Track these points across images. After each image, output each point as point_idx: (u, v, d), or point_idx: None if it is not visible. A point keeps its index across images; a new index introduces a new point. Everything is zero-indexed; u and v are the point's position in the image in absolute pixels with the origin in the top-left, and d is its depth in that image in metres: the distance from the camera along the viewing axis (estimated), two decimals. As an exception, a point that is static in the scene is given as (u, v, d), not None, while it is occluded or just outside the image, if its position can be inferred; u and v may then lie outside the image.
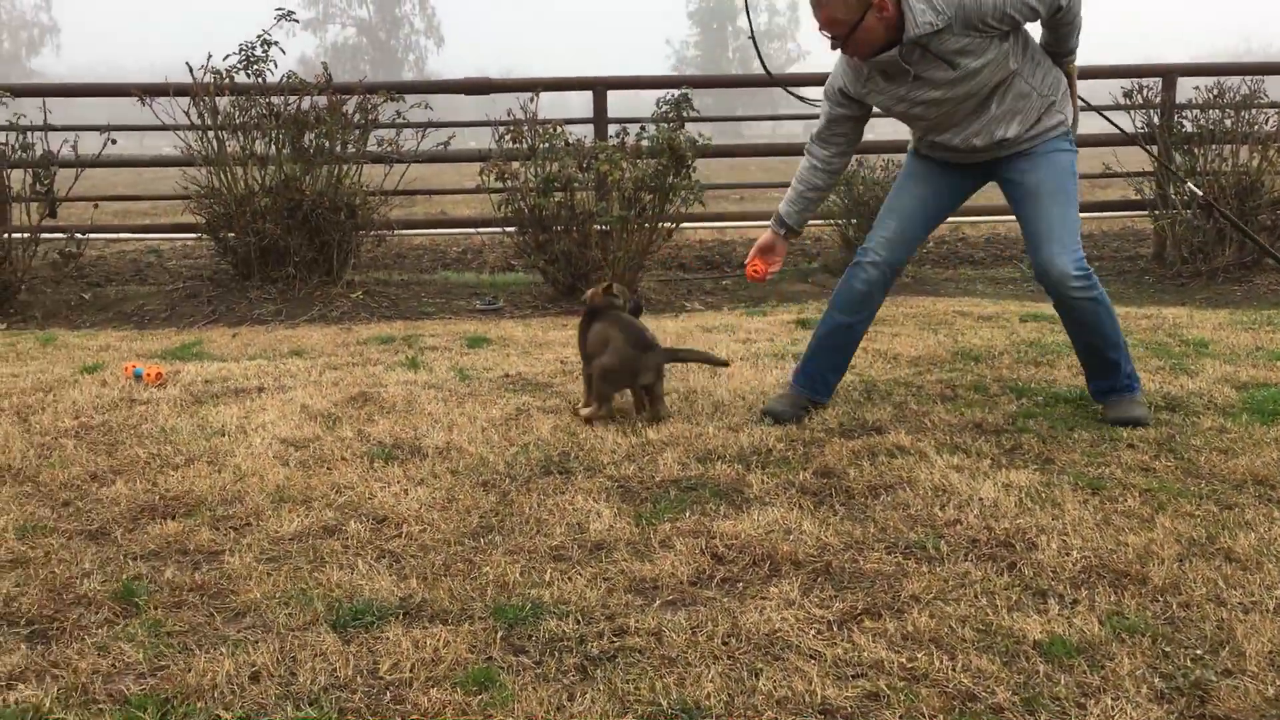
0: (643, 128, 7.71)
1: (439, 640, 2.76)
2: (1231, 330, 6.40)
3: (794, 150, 10.55)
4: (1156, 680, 2.53)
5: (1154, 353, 5.79)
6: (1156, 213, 8.64)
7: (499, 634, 2.81)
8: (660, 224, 7.71)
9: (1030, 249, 4.51)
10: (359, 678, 2.61)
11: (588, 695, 2.51)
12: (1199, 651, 2.67)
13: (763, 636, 2.77)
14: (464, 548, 3.37)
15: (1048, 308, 7.26)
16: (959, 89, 4.28)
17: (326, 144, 7.88)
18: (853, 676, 2.57)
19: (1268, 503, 3.63)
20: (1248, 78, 8.41)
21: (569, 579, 3.12)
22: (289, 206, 7.83)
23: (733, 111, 50.67)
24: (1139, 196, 8.80)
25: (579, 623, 2.86)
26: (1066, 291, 4.41)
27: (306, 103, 7.91)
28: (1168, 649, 2.68)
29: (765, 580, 3.12)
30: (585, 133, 8.67)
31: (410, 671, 2.63)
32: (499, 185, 7.65)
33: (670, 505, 3.70)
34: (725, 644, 2.74)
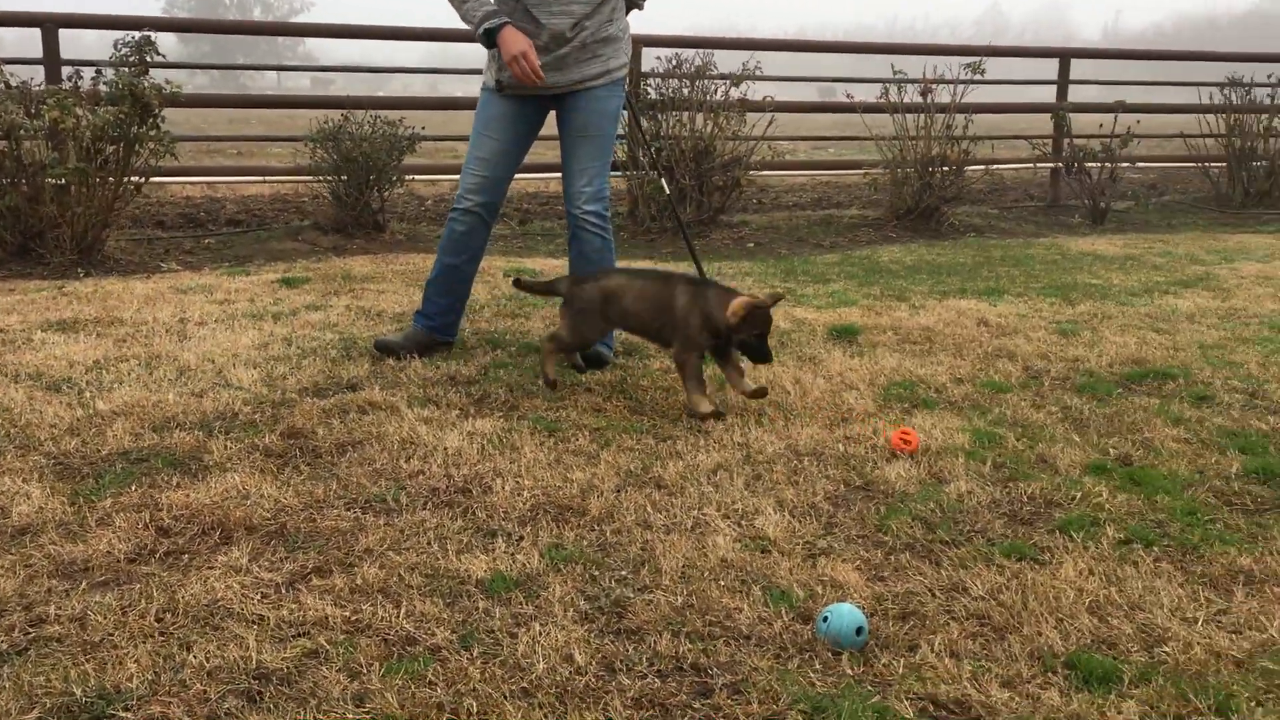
0: (98, 71, 7.02)
1: None
2: (687, 281, 7.06)
3: (299, 104, 10.16)
4: (583, 602, 2.75)
5: (619, 303, 6.25)
6: (628, 174, 9.32)
7: (-114, 641, 2.46)
8: (127, 178, 7.10)
9: (565, 180, 4.92)
10: None
11: (-8, 695, 2.27)
12: (624, 572, 2.93)
13: (202, 608, 2.66)
14: None
15: (530, 262, 7.62)
16: None
17: None
18: (294, 636, 2.54)
19: (697, 433, 4.05)
20: (701, 50, 9.28)
21: (-17, 570, 2.81)
22: None
23: (232, 59, 47.83)
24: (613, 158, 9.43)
25: (-10, 617, 2.58)
26: (585, 224, 4.86)
27: None
28: (596, 573, 2.91)
29: (214, 549, 3.00)
30: (34, 74, 7.75)
31: None
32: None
33: (115, 479, 3.43)
34: (159, 621, 2.59)
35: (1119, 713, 2.29)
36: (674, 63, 9.11)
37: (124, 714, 2.24)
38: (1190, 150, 11.90)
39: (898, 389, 4.62)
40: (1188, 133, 11.81)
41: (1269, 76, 11.61)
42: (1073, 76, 11.73)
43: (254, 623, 2.60)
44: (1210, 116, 11.51)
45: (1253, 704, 2.32)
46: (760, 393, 4.33)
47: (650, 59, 9.39)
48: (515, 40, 4.59)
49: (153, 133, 7.01)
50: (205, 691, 2.31)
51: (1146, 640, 2.60)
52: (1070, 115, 11.09)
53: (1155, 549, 3.10)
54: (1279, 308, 6.39)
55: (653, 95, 9.14)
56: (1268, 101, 11.51)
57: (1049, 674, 2.45)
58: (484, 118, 4.88)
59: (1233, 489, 3.56)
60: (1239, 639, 2.60)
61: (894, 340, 5.50)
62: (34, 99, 6.85)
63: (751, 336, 4.18)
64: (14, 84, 6.95)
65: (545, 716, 2.26)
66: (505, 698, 2.32)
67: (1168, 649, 2.55)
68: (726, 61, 9.48)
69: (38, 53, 8.28)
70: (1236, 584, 2.89)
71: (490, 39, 4.62)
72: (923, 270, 7.72)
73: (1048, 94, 11.79)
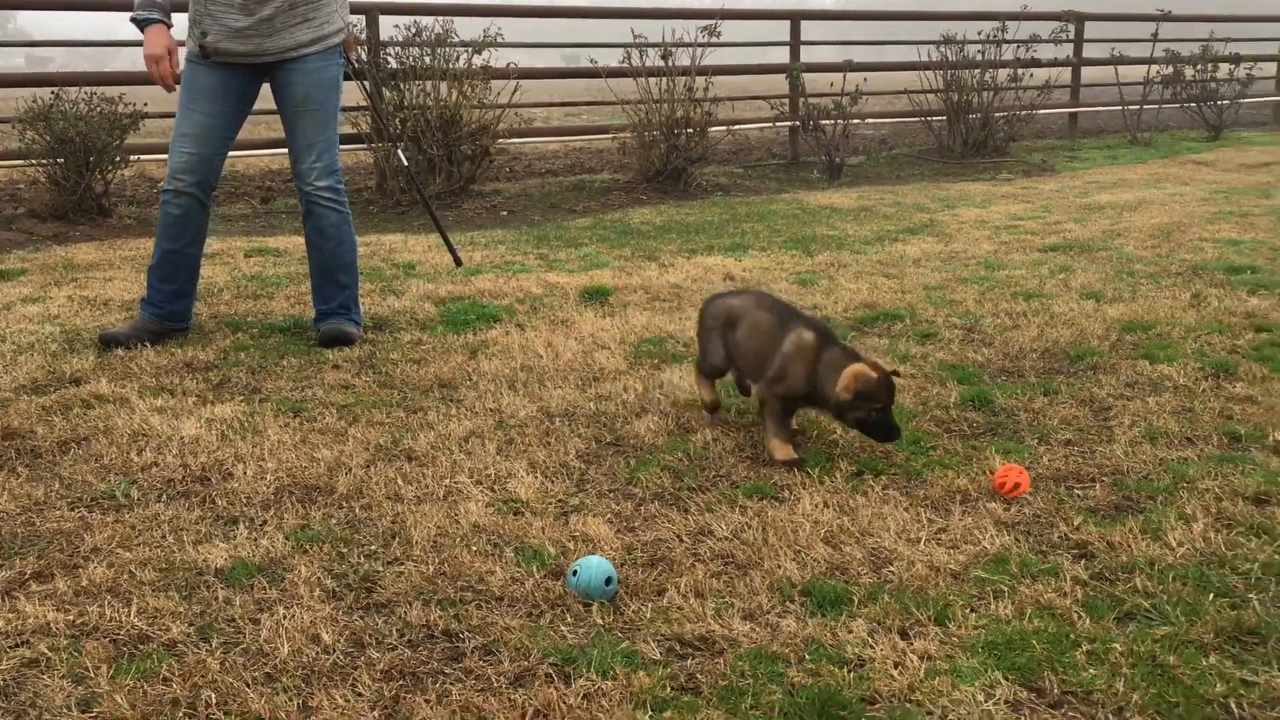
0: None
1: None
2: (438, 251, 6.96)
3: (7, 82, 9.30)
4: (329, 581, 2.68)
5: (369, 278, 6.10)
6: (374, 146, 9.08)
7: None
8: None
9: (293, 158, 4.76)
10: None
11: None
12: (373, 547, 2.88)
13: (-98, 628, 2.44)
14: None
15: (273, 241, 7.33)
16: None
17: None
18: (11, 647, 2.37)
19: (449, 403, 4.02)
20: (441, 17, 9.12)
21: None
22: None
23: (-68, 38, 43.51)
24: (355, 130, 9.16)
25: None
26: (319, 201, 4.73)
27: None
28: (344, 550, 2.85)
29: (-84, 565, 2.75)
30: None
31: None
32: None
33: None
34: None
35: (849, 632, 2.43)
36: (413, 30, 8.92)
37: None
38: (914, 106, 12.65)
39: (648, 345, 4.72)
40: (911, 89, 12.53)
41: (979, 33, 12.45)
42: (805, 38, 12.22)
43: (-36, 638, 2.41)
44: (930, 73, 12.25)
45: (967, 610, 2.51)
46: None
47: (389, 27, 9.16)
48: (156, 41, 4.48)
49: None
50: (-94, 717, 2.13)
51: (875, 563, 2.77)
52: (804, 75, 11.55)
53: (884, 478, 3.30)
54: (994, 249, 6.89)
55: (393, 64, 8.92)
56: (979, 57, 12.34)
57: (787, 603, 2.57)
58: (190, 90, 4.61)
59: (951, 417, 3.83)
60: (956, 553, 2.81)
61: (644, 299, 5.61)
62: None
63: (870, 412, 3.33)
64: None
65: (290, 699, 2.19)
66: (247, 685, 2.24)
67: (893, 569, 2.72)
68: (467, 28, 9.37)
69: None
70: (954, 503, 3.12)
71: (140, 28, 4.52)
72: (672, 230, 7.89)
73: (784, 55, 12.25)
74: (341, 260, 4.89)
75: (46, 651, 2.35)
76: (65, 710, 2.15)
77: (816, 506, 3.09)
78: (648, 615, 2.52)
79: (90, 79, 8.29)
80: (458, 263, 6.00)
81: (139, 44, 10.29)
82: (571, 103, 12.62)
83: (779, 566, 2.75)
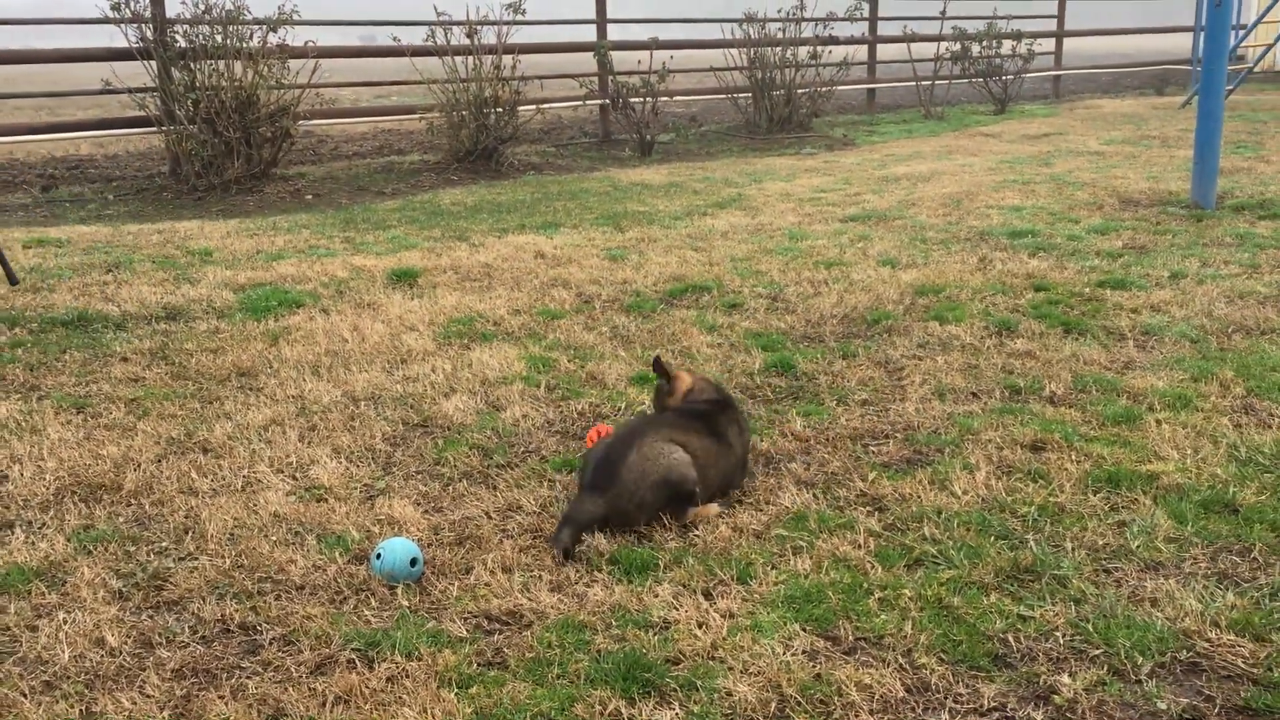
0: None
1: None
2: (237, 237, 6.70)
3: None
4: (116, 582, 2.55)
5: (160, 266, 5.82)
6: (166, 129, 8.65)
7: None
8: None
9: None
10: None
11: None
12: (165, 544, 2.75)
13: None
14: None
15: (55, 231, 6.91)
16: None
17: None
18: None
19: (248, 391, 3.87)
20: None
21: None
22: None
23: None
24: (144, 113, 8.71)
25: None
26: None
27: None
28: (133, 549, 2.71)
29: None
30: None
31: None
32: None
33: None
34: None
35: (655, 596, 2.46)
36: (202, 8, 8.52)
37: None
38: (721, 83, 12.86)
39: (457, 325, 4.66)
40: (718, 67, 12.74)
41: (779, 11, 12.75)
42: (611, 15, 12.25)
43: None
44: (735, 50, 12.48)
45: (768, 568, 2.58)
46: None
47: (175, 4, 8.72)
48: None
49: None
50: None
51: (681, 528, 2.81)
52: (611, 53, 11.59)
53: (690, 445, 3.35)
54: (798, 220, 7.09)
55: (181, 43, 8.51)
56: (781, 35, 12.63)
57: (595, 573, 2.58)
58: None
59: (756, 383, 3.92)
60: (759, 514, 2.88)
61: (454, 279, 5.53)
62: None
63: None
64: None
65: (71, 707, 2.08)
66: (24, 695, 2.11)
67: (698, 532, 2.77)
68: (261, 6, 9.01)
69: None
70: (757, 466, 3.19)
71: None
72: (484, 210, 7.81)
73: (592, 33, 12.25)
74: None
75: None
76: None
77: (624, 476, 3.11)
78: (454, 594, 2.50)
79: None
80: (13, 281, 5.16)
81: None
82: (380, 82, 12.30)
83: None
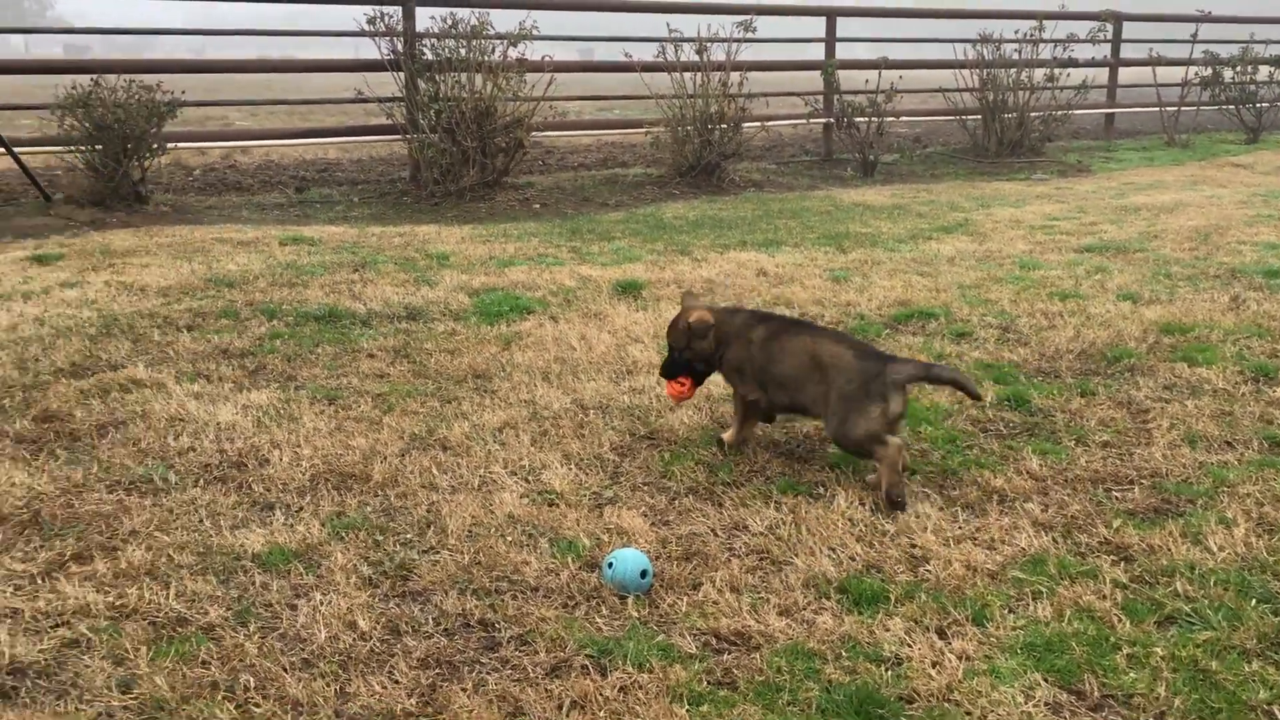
0: None
1: None
2: (471, 243, 6.98)
3: (47, 68, 9.39)
4: (366, 568, 2.69)
5: (401, 267, 6.12)
6: (409, 137, 9.10)
7: None
8: None
9: None
10: None
11: None
12: (409, 535, 2.89)
13: (-55, 605, 2.47)
14: None
15: (308, 230, 7.37)
16: None
17: None
18: (52, 627, 2.39)
19: (482, 393, 4.02)
20: (476, 9, 9.12)
21: None
22: None
23: (-29, 25, 43.96)
24: (390, 121, 9.19)
25: None
26: None
27: None
28: (380, 538, 2.86)
29: (-41, 544, 2.78)
30: None
31: None
32: None
33: None
34: (-104, 623, 2.39)
35: (886, 630, 2.42)
36: (449, 22, 8.93)
37: None
38: (949, 104, 12.55)
39: (681, 340, 4.71)
40: (946, 87, 12.44)
41: (1015, 31, 12.35)
42: (840, 35, 12.15)
43: (6, 617, 2.43)
44: (966, 71, 12.16)
45: (1005, 611, 2.49)
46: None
47: (425, 19, 9.17)
48: None
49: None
50: (-50, 694, 2.15)
51: (911, 561, 2.75)
52: (838, 72, 11.49)
53: (919, 475, 3.28)
54: (1029, 249, 6.83)
55: (429, 55, 8.94)
56: (1016, 56, 12.23)
57: (823, 600, 2.56)
58: None
59: (987, 416, 3.80)
60: (993, 553, 2.78)
61: (677, 294, 5.58)
62: None
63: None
64: None
65: (327, 685, 2.21)
66: (285, 670, 2.25)
67: (930, 568, 2.71)
68: (502, 21, 9.36)
69: None
70: (990, 503, 3.09)
71: None
72: (705, 225, 7.87)
73: (819, 52, 12.18)
74: None
75: (86, 632, 2.37)
76: (105, 691, 2.17)
77: (851, 504, 3.07)
78: (683, 609, 2.52)
79: (129, 66, 8.35)
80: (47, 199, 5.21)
81: (178, 32, 10.28)
82: (606, 96, 12.58)
83: (814, 563, 2.73)
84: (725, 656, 2.33)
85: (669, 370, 3.55)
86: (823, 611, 2.50)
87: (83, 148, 7.91)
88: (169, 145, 8.33)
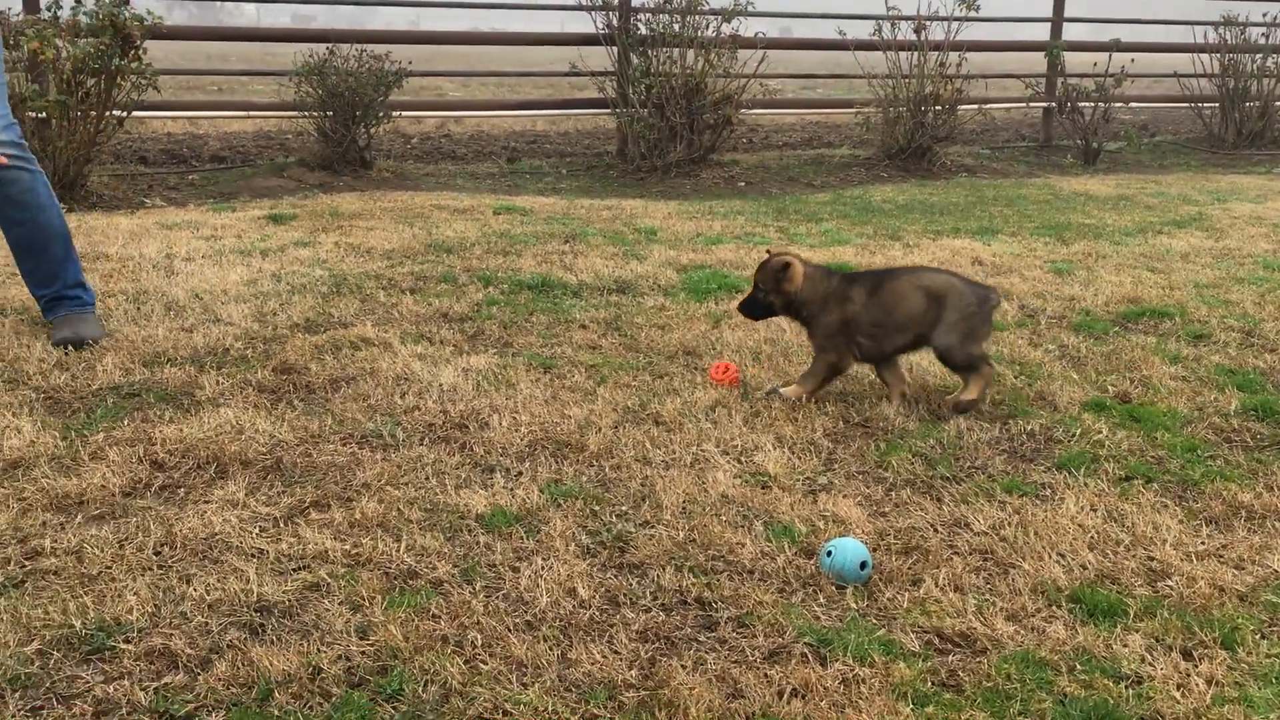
0: (78, 1, 6.85)
1: None
2: (678, 219, 7.00)
3: (284, 37, 9.95)
4: (584, 537, 2.72)
5: (610, 240, 6.18)
6: (618, 111, 9.19)
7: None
8: (109, 112, 6.95)
9: None
10: None
11: (-11, 629, 2.24)
12: (624, 507, 2.91)
13: (200, 541, 2.62)
14: None
15: (520, 200, 7.54)
16: None
17: None
18: (294, 570, 2.52)
19: (693, 370, 4.02)
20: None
21: (-25, 505, 2.77)
22: None
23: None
24: (601, 95, 9.30)
25: (-16, 551, 2.54)
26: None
27: None
28: (597, 508, 2.89)
29: (210, 483, 2.96)
30: (11, 4, 7.56)
31: None
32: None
33: (107, 414, 3.38)
34: (157, 554, 2.56)
35: (1125, 645, 2.29)
36: (664, -2, 8.95)
37: (125, 646, 2.21)
38: (1183, 90, 11.82)
39: (894, 327, 4.58)
40: (1181, 72, 11.71)
41: (1264, 15, 11.51)
42: (1067, 14, 11.59)
43: (253, 556, 2.57)
44: (1204, 56, 11.41)
45: (1258, 636, 2.33)
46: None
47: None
48: None
49: (134, 65, 6.84)
50: (206, 624, 2.29)
51: (1150, 575, 2.60)
52: (1064, 53, 10.97)
53: (1155, 485, 3.10)
54: (1273, 248, 6.37)
55: (643, 31, 8.99)
56: (1262, 41, 11.40)
57: (1054, 608, 2.44)
58: None
59: (1231, 426, 3.55)
60: (1242, 574, 2.60)
61: (889, 279, 5.45)
62: (12, 30, 6.68)
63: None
64: (-10, 13, 6.78)
65: (550, 649, 2.24)
66: (510, 630, 2.30)
67: (1171, 583, 2.55)
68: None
69: (13, -17, 8.07)
70: (1237, 519, 2.89)
71: None
72: (915, 210, 7.66)
73: (1042, 31, 11.66)
74: (50, 229, 4.17)
75: (326, 577, 2.48)
76: (345, 635, 2.27)
77: (1082, 510, 2.93)
78: (904, 605, 2.45)
79: (359, 36, 8.71)
80: None
81: (400, 3, 10.67)
82: (812, 75, 12.40)
83: (1042, 568, 2.61)
84: (950, 658, 2.26)
85: (749, 307, 3.80)
86: (1054, 620, 2.39)
87: (315, 113, 8.31)
88: (393, 114, 8.66)
